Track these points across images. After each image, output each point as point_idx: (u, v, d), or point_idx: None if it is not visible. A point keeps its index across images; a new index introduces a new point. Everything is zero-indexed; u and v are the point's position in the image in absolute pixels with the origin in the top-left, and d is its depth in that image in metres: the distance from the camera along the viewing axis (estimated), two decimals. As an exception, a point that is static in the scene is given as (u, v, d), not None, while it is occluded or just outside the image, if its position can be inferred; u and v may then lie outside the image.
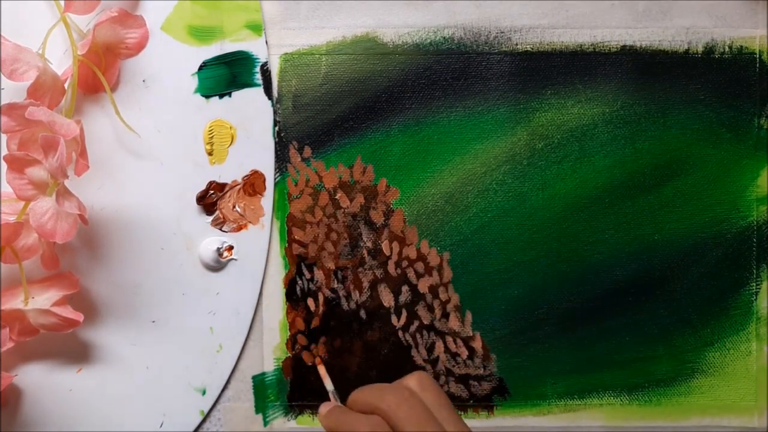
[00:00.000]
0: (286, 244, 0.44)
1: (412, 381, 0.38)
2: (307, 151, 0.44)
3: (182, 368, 0.44)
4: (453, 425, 0.37)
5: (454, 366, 0.45)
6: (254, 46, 0.44)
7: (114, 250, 0.44)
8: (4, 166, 0.39)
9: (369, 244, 0.44)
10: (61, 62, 0.43)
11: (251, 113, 0.44)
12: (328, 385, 0.42)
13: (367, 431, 0.36)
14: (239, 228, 0.44)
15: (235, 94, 0.44)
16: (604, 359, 0.45)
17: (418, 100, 0.44)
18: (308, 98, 0.44)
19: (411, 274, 0.44)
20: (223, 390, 0.44)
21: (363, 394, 0.38)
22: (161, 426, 0.44)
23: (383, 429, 0.36)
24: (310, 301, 0.44)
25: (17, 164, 0.39)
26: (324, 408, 0.39)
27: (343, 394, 0.44)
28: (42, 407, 0.44)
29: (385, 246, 0.44)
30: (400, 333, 0.44)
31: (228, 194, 0.44)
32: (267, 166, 0.44)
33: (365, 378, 0.44)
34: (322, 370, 0.43)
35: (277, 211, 0.44)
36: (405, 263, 0.44)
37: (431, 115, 0.44)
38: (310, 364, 0.44)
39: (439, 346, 0.44)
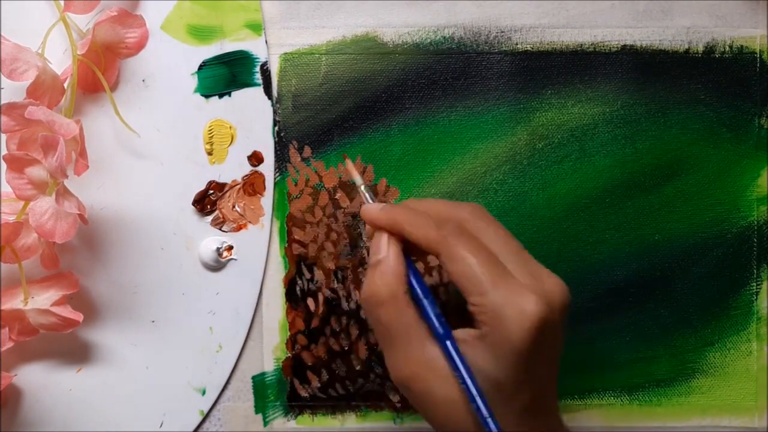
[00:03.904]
0: (286, 244, 0.44)
1: (466, 205, 0.36)
2: (307, 151, 0.44)
3: (182, 368, 0.44)
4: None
5: (454, 366, 0.44)
6: (254, 46, 0.44)
7: (114, 249, 0.44)
8: (4, 165, 0.39)
9: (369, 244, 0.44)
10: (61, 62, 0.43)
11: (251, 113, 0.44)
12: (358, 179, 0.38)
13: (456, 230, 0.33)
14: (239, 228, 0.44)
15: (235, 93, 0.44)
16: (604, 359, 0.45)
17: (418, 100, 0.44)
18: (308, 98, 0.44)
19: (411, 274, 0.44)
20: (223, 390, 0.44)
21: (427, 202, 0.36)
22: (161, 426, 0.44)
23: (471, 234, 0.33)
24: (310, 301, 0.44)
25: (17, 164, 0.39)
26: (374, 206, 0.36)
27: (342, 398, 0.44)
28: (42, 407, 0.44)
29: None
30: (400, 333, 0.44)
31: (228, 194, 0.44)
32: (267, 165, 0.44)
33: (366, 378, 0.44)
34: (349, 164, 0.39)
35: (277, 211, 0.44)
36: (405, 263, 0.44)
37: (431, 115, 0.44)
38: (310, 363, 0.44)
39: (439, 346, 0.44)
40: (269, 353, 0.44)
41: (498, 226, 0.35)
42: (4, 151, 0.41)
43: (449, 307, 0.43)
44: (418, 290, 0.34)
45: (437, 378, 0.33)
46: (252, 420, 0.44)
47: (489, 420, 0.32)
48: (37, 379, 0.44)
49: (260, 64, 0.44)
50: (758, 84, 0.44)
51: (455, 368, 0.33)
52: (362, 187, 0.38)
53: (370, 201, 0.37)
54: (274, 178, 0.44)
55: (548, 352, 0.33)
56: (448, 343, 0.33)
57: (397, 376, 0.34)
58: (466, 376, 0.32)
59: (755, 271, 0.45)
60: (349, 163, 0.39)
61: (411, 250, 0.35)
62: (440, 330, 0.33)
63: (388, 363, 0.34)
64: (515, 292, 0.32)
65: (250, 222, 0.44)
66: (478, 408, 0.32)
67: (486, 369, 0.32)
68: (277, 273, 0.44)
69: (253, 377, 0.44)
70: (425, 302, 0.34)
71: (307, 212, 0.44)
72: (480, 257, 0.33)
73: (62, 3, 0.41)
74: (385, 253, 0.35)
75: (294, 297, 0.44)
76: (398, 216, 0.35)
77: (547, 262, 0.44)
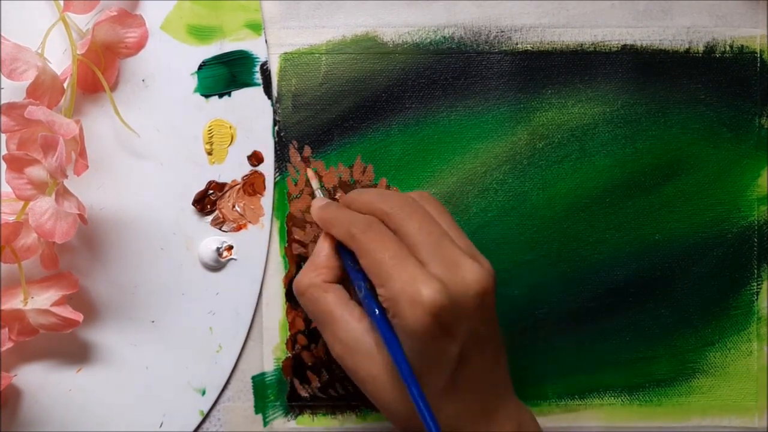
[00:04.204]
0: (286, 244, 0.44)
1: (414, 193, 0.38)
2: (307, 151, 0.44)
3: (182, 368, 0.44)
4: (455, 233, 0.36)
5: (454, 366, 0.44)
6: (254, 46, 0.44)
7: (113, 249, 0.44)
8: (4, 165, 0.39)
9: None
10: (61, 62, 0.43)
11: (251, 113, 0.44)
12: (315, 183, 0.43)
13: (364, 227, 0.35)
14: (239, 228, 0.44)
15: (235, 93, 0.44)
16: (604, 359, 0.45)
17: (418, 100, 0.44)
18: (308, 98, 0.44)
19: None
20: (222, 390, 0.44)
21: (362, 195, 0.38)
22: (161, 426, 0.44)
23: (381, 228, 0.35)
24: (310, 301, 0.44)
25: (16, 164, 0.39)
26: (318, 202, 0.39)
27: (342, 398, 0.44)
28: (41, 407, 0.44)
29: (385, 246, 0.44)
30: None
31: (228, 194, 0.44)
32: (267, 165, 0.44)
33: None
34: (310, 172, 0.43)
35: (277, 210, 0.44)
36: (405, 263, 0.44)
37: (431, 115, 0.44)
38: (310, 363, 0.44)
39: (440, 346, 0.44)
40: (269, 353, 0.44)
41: (425, 212, 0.36)
42: (4, 151, 0.41)
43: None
44: (349, 274, 0.37)
45: (360, 355, 0.36)
46: (252, 420, 0.44)
47: (412, 387, 0.33)
48: (37, 380, 0.44)
49: (260, 63, 0.44)
50: (758, 84, 0.44)
51: (385, 340, 0.35)
52: (317, 191, 0.42)
53: (319, 195, 0.42)
54: (274, 178, 0.44)
55: (459, 337, 0.34)
56: (377, 315, 0.35)
57: (333, 353, 0.37)
58: (390, 344, 0.34)
59: (755, 270, 0.45)
60: (309, 171, 0.43)
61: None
62: (369, 308, 0.36)
63: (326, 342, 0.37)
64: (410, 280, 0.33)
65: (250, 222, 0.44)
66: (402, 374, 0.34)
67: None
68: (277, 273, 0.44)
69: (253, 377, 0.44)
70: (356, 286, 0.37)
71: (307, 212, 0.44)
72: (383, 250, 0.34)
73: (62, 3, 0.41)
74: (317, 248, 0.38)
75: (294, 297, 0.44)
76: (326, 214, 0.38)
77: (548, 262, 0.44)
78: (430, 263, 0.34)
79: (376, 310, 0.35)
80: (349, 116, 0.44)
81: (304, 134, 0.44)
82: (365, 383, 0.36)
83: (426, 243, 0.35)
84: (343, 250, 0.38)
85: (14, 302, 0.41)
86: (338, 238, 0.37)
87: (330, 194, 0.43)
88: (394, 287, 0.33)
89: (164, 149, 0.44)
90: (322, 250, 0.38)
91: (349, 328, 0.36)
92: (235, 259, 0.44)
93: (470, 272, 0.34)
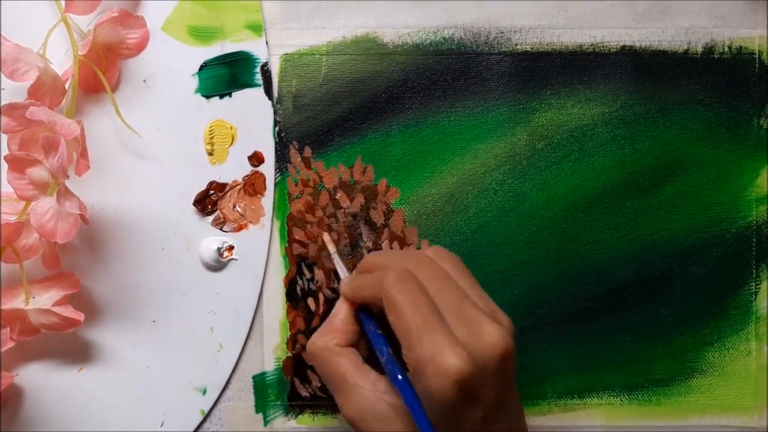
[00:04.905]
0: (287, 244, 0.44)
1: (429, 251, 0.38)
2: (308, 151, 0.44)
3: (183, 368, 0.44)
4: (474, 291, 0.36)
5: (454, 366, 0.45)
6: (254, 47, 0.44)
7: (115, 249, 0.44)
8: (5, 166, 0.39)
9: (369, 244, 0.44)
10: (62, 62, 0.43)
11: (252, 113, 0.44)
12: (331, 247, 0.43)
13: (395, 280, 0.35)
14: (240, 228, 0.44)
15: (236, 94, 0.44)
16: (604, 359, 0.45)
17: (418, 100, 0.44)
18: (308, 98, 0.44)
19: (411, 274, 0.44)
20: (223, 390, 0.44)
21: (380, 258, 0.38)
22: (162, 426, 0.44)
23: (412, 280, 0.35)
24: (311, 301, 0.44)
25: (18, 164, 0.39)
26: (344, 282, 0.39)
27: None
28: (42, 407, 0.44)
29: (385, 246, 0.44)
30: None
31: (228, 194, 0.44)
32: (267, 166, 0.44)
33: (365, 378, 0.44)
34: (326, 237, 0.43)
35: (278, 211, 0.44)
36: (405, 263, 0.44)
37: (431, 115, 0.44)
38: (310, 363, 0.44)
39: (439, 346, 0.44)
40: (270, 353, 0.44)
41: (444, 274, 0.37)
42: (6, 152, 0.41)
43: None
44: (370, 338, 0.37)
45: (376, 419, 0.35)
46: (252, 419, 0.45)
47: None
48: (38, 379, 0.44)
49: (261, 64, 0.44)
50: (757, 84, 0.44)
51: (408, 405, 0.34)
52: (333, 254, 0.42)
53: (344, 274, 0.41)
54: (275, 179, 0.44)
55: (483, 401, 0.34)
56: (401, 381, 0.35)
57: (345, 417, 0.36)
58: (414, 409, 0.34)
59: (754, 270, 0.45)
60: (326, 236, 0.43)
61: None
62: (392, 373, 0.35)
63: (338, 405, 0.37)
64: (438, 348, 0.33)
65: (250, 222, 0.44)
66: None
67: None
68: (278, 273, 0.44)
69: (254, 377, 0.44)
70: (377, 350, 0.37)
71: (307, 212, 0.44)
72: (413, 311, 0.34)
73: (63, 3, 0.41)
74: (334, 312, 0.38)
75: (294, 297, 0.44)
76: (353, 283, 0.38)
77: (547, 262, 0.44)
78: (453, 328, 0.34)
79: (399, 376, 0.35)
80: (349, 117, 0.44)
81: (305, 135, 0.44)
82: None
83: (447, 307, 0.35)
84: (363, 315, 0.38)
85: (16, 302, 0.41)
86: (368, 297, 0.37)
87: (336, 258, 0.43)
88: (421, 353, 0.33)
89: (165, 149, 0.44)
90: (339, 313, 0.38)
91: (363, 393, 0.36)
92: (235, 259, 0.44)
93: (492, 335, 0.34)
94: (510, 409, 0.36)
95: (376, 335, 0.37)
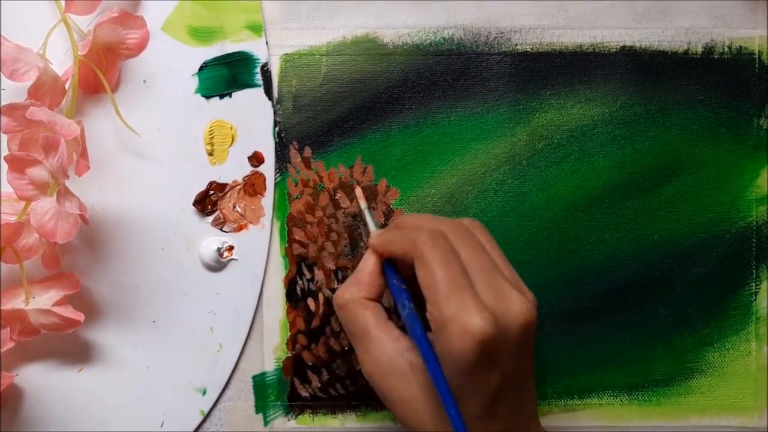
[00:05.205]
0: (287, 244, 0.44)
1: (465, 220, 0.38)
2: (308, 152, 0.44)
3: (183, 368, 0.44)
4: (503, 264, 0.37)
5: (454, 366, 0.45)
6: (254, 47, 0.44)
7: (115, 250, 0.44)
8: (5, 166, 0.39)
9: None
10: (62, 62, 0.43)
11: (252, 114, 0.44)
12: (362, 203, 0.42)
13: (429, 238, 0.35)
14: (239, 228, 0.44)
15: (236, 94, 0.44)
16: (603, 359, 0.45)
17: (418, 101, 0.44)
18: (308, 99, 0.44)
19: (411, 274, 0.44)
20: (223, 390, 0.44)
21: (416, 218, 0.38)
22: (162, 426, 0.44)
23: (446, 243, 0.35)
24: (311, 301, 0.44)
25: (18, 164, 0.39)
26: (374, 235, 0.39)
27: (342, 398, 0.45)
28: (42, 407, 0.44)
29: (385, 246, 0.44)
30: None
31: (228, 194, 0.44)
32: (267, 166, 0.44)
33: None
34: (359, 191, 0.43)
35: (278, 211, 0.44)
36: (405, 263, 0.44)
37: (431, 116, 0.44)
38: (310, 363, 0.44)
39: (439, 346, 0.44)
40: (270, 353, 0.44)
41: (473, 239, 0.37)
42: (6, 152, 0.41)
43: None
44: (393, 292, 0.37)
45: (394, 376, 0.36)
46: (252, 420, 0.45)
47: (451, 408, 0.33)
48: (38, 379, 0.44)
49: (261, 64, 0.44)
50: (757, 84, 0.44)
51: (426, 361, 0.34)
52: (365, 210, 0.42)
53: (373, 227, 0.41)
54: (275, 179, 0.44)
55: (502, 367, 0.34)
56: (420, 336, 0.35)
57: (363, 371, 0.37)
58: (431, 366, 0.34)
59: (754, 271, 0.45)
60: (358, 190, 0.43)
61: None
62: (413, 327, 0.35)
63: (358, 359, 0.37)
64: (465, 307, 0.33)
65: (250, 222, 0.44)
66: (442, 396, 0.34)
67: None
68: (278, 273, 0.44)
69: (254, 377, 0.45)
70: (399, 304, 0.37)
71: (307, 212, 0.44)
72: (445, 269, 0.34)
73: (63, 4, 0.41)
74: (361, 265, 0.38)
75: (294, 297, 0.44)
76: (384, 237, 0.38)
77: (547, 262, 0.44)
78: (480, 292, 0.35)
79: (419, 330, 0.35)
80: (349, 117, 0.44)
81: (305, 135, 0.44)
82: (396, 404, 0.36)
83: (481, 270, 0.35)
84: (389, 268, 0.38)
85: (16, 302, 0.41)
86: (398, 251, 0.37)
87: (368, 213, 0.42)
88: (447, 310, 0.34)
89: (165, 150, 0.44)
90: (367, 266, 0.38)
91: (384, 347, 0.36)
92: (235, 260, 0.44)
93: (517, 305, 0.35)
94: (525, 383, 0.36)
95: (400, 290, 0.37)
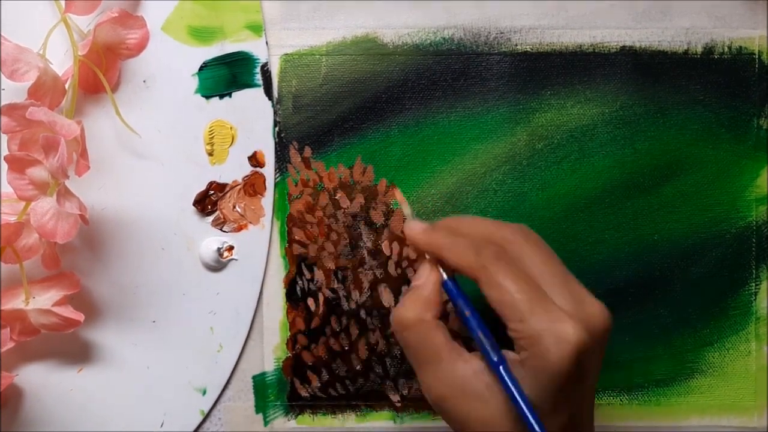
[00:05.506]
0: (287, 244, 0.44)
1: (513, 225, 0.36)
2: (308, 152, 0.44)
3: (183, 368, 0.44)
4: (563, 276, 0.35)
5: (454, 366, 0.45)
6: (254, 47, 0.44)
7: (115, 250, 0.44)
8: (5, 166, 0.39)
9: (369, 245, 0.44)
10: (62, 62, 0.43)
11: (251, 114, 0.44)
12: (407, 209, 0.38)
13: (493, 257, 0.33)
14: (239, 228, 0.44)
15: (236, 94, 0.44)
16: (603, 359, 0.45)
17: (418, 101, 0.44)
18: (308, 99, 0.44)
19: (411, 274, 0.44)
20: (223, 390, 0.44)
21: (473, 221, 0.36)
22: (161, 426, 0.44)
23: (511, 260, 0.34)
24: (311, 301, 0.44)
25: (18, 164, 0.39)
26: (416, 224, 0.36)
27: (342, 398, 0.45)
28: (42, 407, 0.44)
29: (385, 246, 0.44)
30: (400, 333, 0.44)
31: (228, 194, 0.44)
32: (267, 166, 0.44)
33: (366, 378, 0.44)
34: (399, 194, 0.39)
35: (278, 211, 0.44)
36: (405, 263, 0.44)
37: (431, 116, 0.44)
38: (310, 363, 0.44)
39: (439, 346, 0.44)
40: (269, 353, 0.44)
41: (540, 247, 0.36)
42: (6, 152, 0.41)
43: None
44: (464, 313, 0.35)
45: (470, 398, 0.34)
46: (252, 420, 0.45)
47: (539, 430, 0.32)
48: (38, 379, 0.44)
49: (261, 64, 0.44)
50: (757, 84, 0.44)
51: (506, 388, 0.33)
52: (409, 216, 0.38)
53: (410, 216, 0.38)
54: (275, 179, 0.44)
55: (587, 376, 0.34)
56: (501, 368, 0.33)
57: (429, 396, 0.35)
58: (518, 396, 0.33)
59: (754, 271, 0.45)
60: (398, 193, 0.39)
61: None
62: (493, 357, 0.34)
63: (420, 383, 0.35)
64: (554, 318, 0.32)
65: (250, 222, 0.44)
66: (531, 426, 0.32)
67: (526, 392, 0.33)
68: (278, 273, 0.44)
69: (254, 377, 0.45)
70: (472, 325, 0.35)
71: (307, 212, 0.44)
72: (519, 284, 0.33)
73: (63, 4, 0.41)
74: (423, 280, 0.36)
75: (294, 297, 0.44)
76: (437, 240, 0.35)
77: (547, 262, 0.44)
78: (557, 299, 0.34)
79: (494, 356, 0.33)
80: (349, 117, 0.44)
81: (305, 135, 0.44)
82: (471, 427, 0.34)
83: (551, 276, 0.34)
84: (452, 283, 0.36)
85: (16, 302, 0.41)
86: (458, 266, 0.35)
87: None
88: (536, 324, 0.32)
89: (165, 150, 0.44)
90: (429, 282, 0.35)
91: (457, 369, 0.34)
92: (235, 260, 0.44)
93: (596, 306, 0.34)
94: (594, 389, 0.36)
95: (467, 306, 0.35)
